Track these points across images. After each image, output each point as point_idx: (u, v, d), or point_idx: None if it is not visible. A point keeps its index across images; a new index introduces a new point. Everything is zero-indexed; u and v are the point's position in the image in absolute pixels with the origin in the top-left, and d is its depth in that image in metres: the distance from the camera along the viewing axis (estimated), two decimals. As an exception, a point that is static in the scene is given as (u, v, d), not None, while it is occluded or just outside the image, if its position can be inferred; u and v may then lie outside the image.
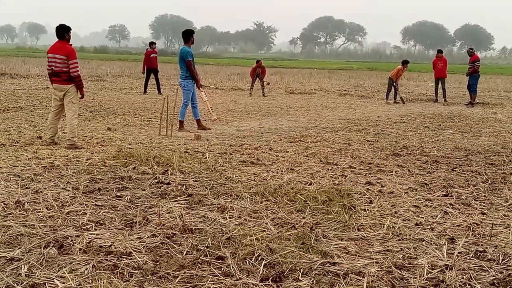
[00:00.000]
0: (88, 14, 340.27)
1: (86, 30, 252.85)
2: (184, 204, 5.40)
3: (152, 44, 20.32)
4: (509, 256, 4.16)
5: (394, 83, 19.38)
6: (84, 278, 3.55)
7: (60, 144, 8.38)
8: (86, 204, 5.24)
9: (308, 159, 7.93)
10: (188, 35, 10.69)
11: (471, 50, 19.43)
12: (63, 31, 8.22)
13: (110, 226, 4.67)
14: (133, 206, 5.28)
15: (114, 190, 5.80)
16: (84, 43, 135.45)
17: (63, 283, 3.48)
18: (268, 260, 3.91)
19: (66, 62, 8.09)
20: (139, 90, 20.32)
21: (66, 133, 8.48)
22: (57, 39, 8.25)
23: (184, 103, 10.73)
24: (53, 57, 8.17)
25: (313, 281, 3.62)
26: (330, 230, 4.72)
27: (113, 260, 3.88)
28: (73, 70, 8.14)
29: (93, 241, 4.23)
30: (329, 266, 3.88)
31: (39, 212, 4.96)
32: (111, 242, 4.22)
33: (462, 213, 5.38)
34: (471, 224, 4.98)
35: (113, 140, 9.03)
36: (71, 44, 8.32)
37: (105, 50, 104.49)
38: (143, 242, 4.29)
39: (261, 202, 5.51)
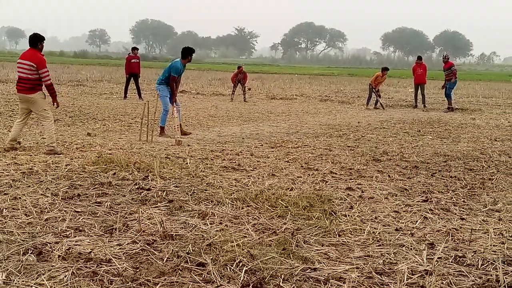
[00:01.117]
0: (67, 18, 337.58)
1: (65, 35, 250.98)
2: (165, 210, 5.38)
3: (134, 49, 20.21)
4: (488, 261, 4.21)
5: (374, 89, 19.52)
6: (63, 286, 3.52)
7: (39, 150, 8.29)
8: (65, 211, 5.18)
9: (289, 165, 7.94)
10: (186, 53, 10.60)
11: (446, 57, 19.61)
12: (36, 40, 8.14)
13: (89, 232, 4.63)
14: (113, 212, 5.24)
15: (94, 196, 5.76)
16: (64, 48, 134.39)
17: (42, 290, 3.44)
18: (249, 266, 3.91)
19: (34, 70, 7.99)
20: (120, 95, 20.20)
21: (45, 138, 8.40)
22: (30, 47, 8.17)
23: (164, 108, 10.71)
24: (22, 63, 8.07)
25: (294, 287, 3.62)
26: (311, 235, 4.73)
27: (92, 267, 3.84)
28: (45, 79, 8.09)
29: (73, 248, 4.19)
30: (310, 272, 3.88)
31: (18, 218, 4.90)
32: (91, 249, 4.18)
33: (441, 219, 5.42)
34: (450, 229, 5.03)
35: (93, 145, 8.96)
36: (43, 54, 8.23)
37: (85, 55, 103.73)
38: (123, 248, 4.26)
39: (242, 208, 5.51)
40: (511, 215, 5.56)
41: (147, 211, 5.25)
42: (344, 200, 5.97)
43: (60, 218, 4.96)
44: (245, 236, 4.62)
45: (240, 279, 3.69)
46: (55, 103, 8.43)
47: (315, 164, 8.08)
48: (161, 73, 10.83)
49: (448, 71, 18.91)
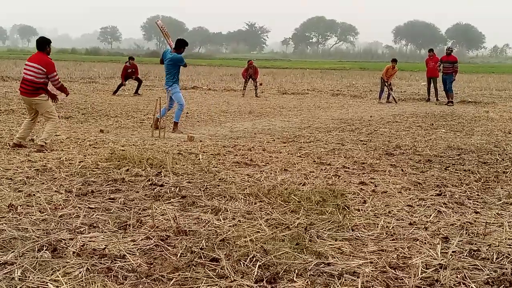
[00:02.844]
0: (79, 15, 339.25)
1: (77, 32, 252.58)
2: (178, 206, 5.39)
3: (130, 58, 20.37)
4: (503, 255, 4.18)
5: (386, 83, 19.42)
6: (78, 282, 3.53)
7: (52, 148, 8.34)
8: (79, 207, 5.21)
9: (302, 160, 7.93)
10: (183, 44, 10.78)
11: (450, 49, 19.49)
12: (43, 44, 8.16)
13: (103, 229, 4.65)
14: (127, 208, 5.27)
15: (107, 193, 5.78)
16: (75, 45, 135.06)
17: (57, 286, 3.47)
18: (263, 261, 3.91)
19: (42, 74, 8.01)
20: (131, 92, 20.25)
21: (42, 134, 8.39)
22: (37, 51, 8.20)
23: (180, 103, 10.82)
24: (30, 65, 8.03)
25: (307, 282, 3.61)
26: (324, 230, 4.72)
27: (107, 263, 3.86)
28: (55, 82, 8.18)
29: (87, 244, 4.21)
30: (324, 267, 3.88)
31: (32, 215, 4.93)
32: (105, 245, 4.20)
33: (455, 212, 5.39)
34: (464, 223, 5.00)
35: (105, 142, 9.00)
36: (51, 58, 8.26)
37: (97, 52, 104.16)
38: (137, 244, 4.27)
39: (255, 203, 5.51)
40: (526, 208, 5.52)
41: (160, 207, 5.26)
42: (357, 195, 5.95)
43: (74, 215, 4.99)
44: (258, 231, 4.62)
45: (253, 274, 3.70)
46: (65, 93, 8.58)
47: (327, 158, 8.07)
48: (167, 74, 10.80)
49: (450, 64, 18.75)
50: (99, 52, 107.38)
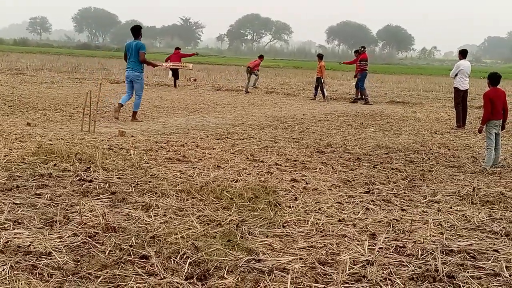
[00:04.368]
0: (7, 5, 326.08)
1: (5, 22, 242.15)
2: (107, 202, 5.29)
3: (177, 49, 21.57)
4: (428, 251, 4.32)
5: (322, 81, 19.85)
6: (1, 279, 3.41)
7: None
8: (3, 203, 5.01)
9: (235, 156, 7.94)
10: (140, 30, 11.86)
11: (362, 49, 20.17)
12: None
13: (29, 225, 4.50)
14: (54, 204, 5.11)
15: (34, 188, 5.59)
16: (2, 35, 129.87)
17: (-23, 286, 3.33)
18: (194, 258, 3.89)
19: None
20: (61, 85, 19.68)
21: None
22: None
23: (138, 95, 11.65)
24: None
25: (238, 278, 3.62)
26: (256, 227, 4.74)
27: (32, 260, 3.74)
28: None
29: (11, 241, 4.07)
30: (254, 263, 3.89)
31: (-49, 211, 4.71)
32: (30, 242, 4.07)
33: (383, 210, 5.54)
34: (391, 220, 5.14)
35: (32, 136, 8.70)
36: None
37: (25, 43, 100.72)
38: (63, 241, 4.16)
39: (187, 200, 5.47)
40: (450, 206, 5.73)
41: (88, 203, 5.13)
42: (289, 192, 6.02)
43: (-3, 211, 4.80)
44: (189, 228, 4.60)
45: (184, 271, 3.67)
46: None
47: (260, 155, 8.11)
48: (131, 62, 11.56)
49: (363, 62, 19.41)
50: (28, 43, 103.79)
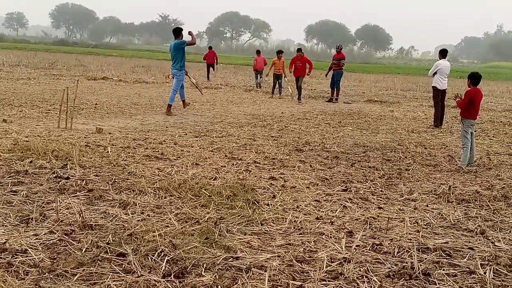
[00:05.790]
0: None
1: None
2: (84, 199, 5.24)
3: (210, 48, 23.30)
4: (404, 249, 4.36)
5: (278, 76, 20.73)
6: (-26, 279, 3.36)
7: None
8: (-23, 200, 4.95)
9: (213, 154, 7.93)
10: (180, 31, 13.07)
11: (340, 47, 20.34)
12: None
13: (4, 222, 4.44)
14: (30, 201, 5.05)
15: (9, 185, 5.52)
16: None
17: (-50, 284, 3.27)
18: (171, 256, 3.87)
19: None
20: (37, 81, 19.43)
21: None
22: None
23: (174, 89, 12.86)
24: None
25: (215, 276, 3.62)
26: (234, 225, 4.74)
27: (7, 258, 3.70)
28: None
29: (-15, 239, 4.01)
30: (232, 261, 3.90)
31: None
32: (5, 239, 4.02)
33: (360, 208, 5.58)
34: (368, 218, 5.18)
35: (8, 132, 8.58)
36: None
37: (1, 39, 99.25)
38: (39, 239, 4.12)
39: (165, 197, 5.45)
40: (426, 205, 5.80)
41: (65, 201, 5.09)
42: (267, 190, 6.03)
43: (-28, 208, 4.73)
44: (167, 226, 4.58)
45: (161, 269, 3.66)
46: None
47: (239, 153, 8.11)
48: (174, 60, 12.87)
49: (337, 61, 19.56)
50: (4, 39, 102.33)
